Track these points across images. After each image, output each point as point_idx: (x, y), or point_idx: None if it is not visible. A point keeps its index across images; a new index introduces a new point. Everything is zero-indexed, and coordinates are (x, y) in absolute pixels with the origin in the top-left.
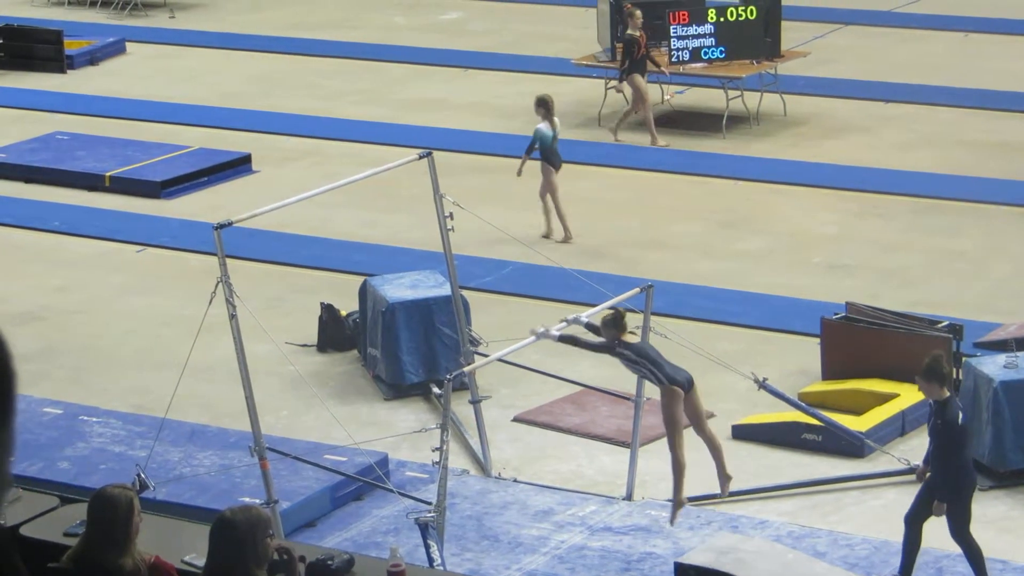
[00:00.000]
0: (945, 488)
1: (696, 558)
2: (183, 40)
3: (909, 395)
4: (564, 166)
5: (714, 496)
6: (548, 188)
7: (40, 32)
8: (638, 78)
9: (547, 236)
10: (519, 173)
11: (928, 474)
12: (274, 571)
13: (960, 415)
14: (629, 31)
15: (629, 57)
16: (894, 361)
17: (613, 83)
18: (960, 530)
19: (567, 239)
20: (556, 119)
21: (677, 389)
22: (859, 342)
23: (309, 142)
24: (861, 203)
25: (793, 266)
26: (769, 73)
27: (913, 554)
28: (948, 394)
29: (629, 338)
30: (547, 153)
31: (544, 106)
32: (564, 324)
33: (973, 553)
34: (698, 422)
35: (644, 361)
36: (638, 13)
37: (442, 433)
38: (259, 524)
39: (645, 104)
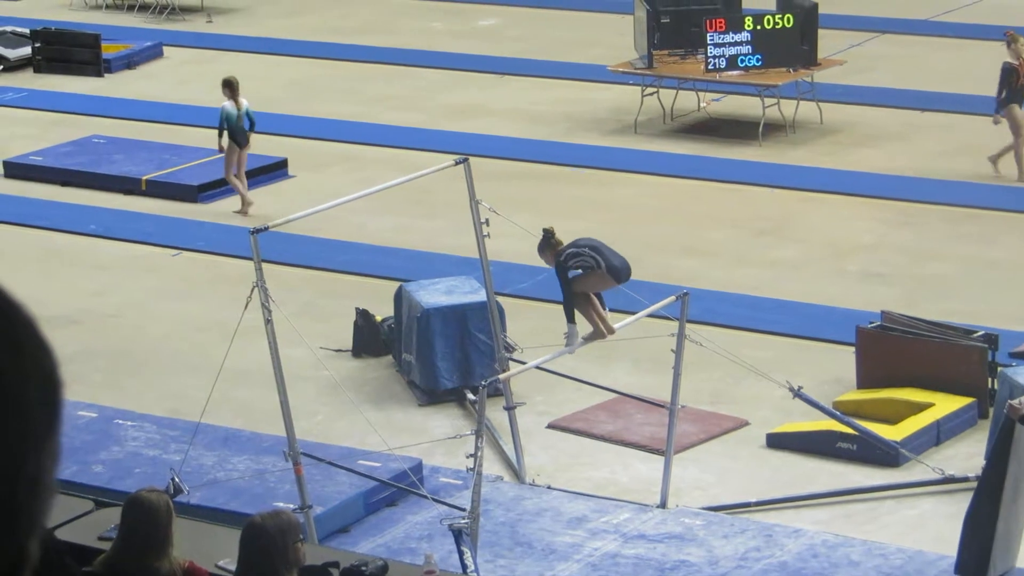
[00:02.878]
0: None
1: None
2: (220, 44)
3: (944, 404)
4: (600, 173)
5: (747, 505)
6: (231, 164)
7: (78, 36)
8: (1016, 109)
9: (243, 209)
10: (220, 149)
11: None
12: None
13: None
14: (1008, 59)
15: (1008, 87)
16: (929, 370)
17: (995, 118)
18: None
19: (244, 210)
20: (243, 99)
21: (611, 279)
22: (894, 351)
23: (345, 147)
24: (897, 211)
25: (828, 274)
26: (806, 81)
27: None
28: None
29: (563, 241)
30: (232, 131)
31: (230, 87)
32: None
33: None
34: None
35: (585, 249)
36: (1022, 40)
37: (476, 439)
38: (289, 529)
39: (1022, 136)
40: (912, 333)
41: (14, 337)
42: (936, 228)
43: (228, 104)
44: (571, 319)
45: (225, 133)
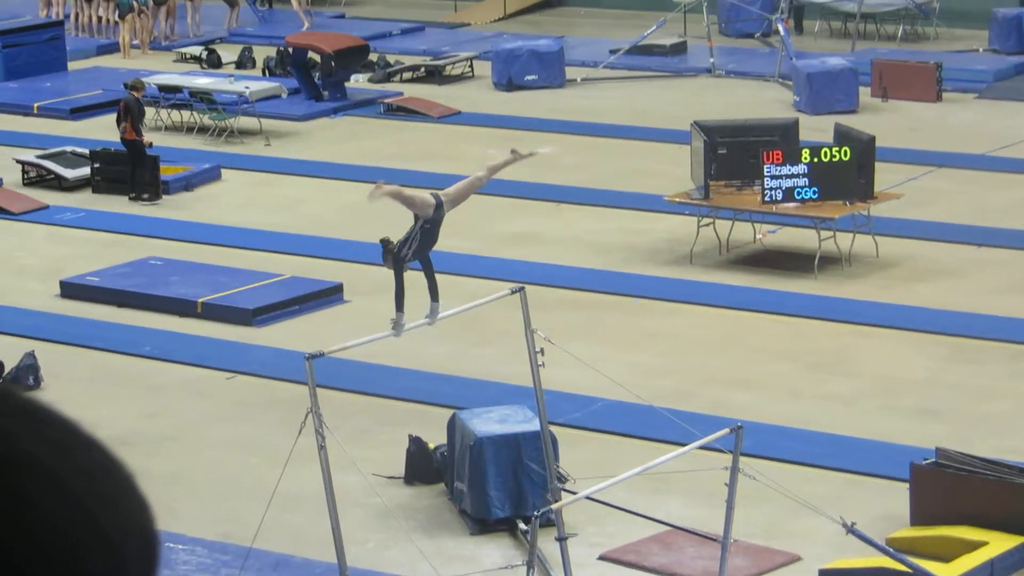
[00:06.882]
0: None
1: None
2: (278, 168)
3: (999, 543)
4: (655, 303)
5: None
6: None
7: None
8: None
9: None
10: None
11: None
12: None
13: None
14: None
15: None
16: (984, 508)
17: None
18: None
19: None
20: None
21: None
22: (949, 488)
23: None
24: (952, 347)
25: (882, 410)
26: (862, 214)
27: None
28: None
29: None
30: None
31: None
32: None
33: None
34: None
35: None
36: None
37: (528, 570)
38: None
39: None
40: (967, 470)
41: (113, 493)
42: (992, 365)
43: None
44: (400, 308)
45: None
